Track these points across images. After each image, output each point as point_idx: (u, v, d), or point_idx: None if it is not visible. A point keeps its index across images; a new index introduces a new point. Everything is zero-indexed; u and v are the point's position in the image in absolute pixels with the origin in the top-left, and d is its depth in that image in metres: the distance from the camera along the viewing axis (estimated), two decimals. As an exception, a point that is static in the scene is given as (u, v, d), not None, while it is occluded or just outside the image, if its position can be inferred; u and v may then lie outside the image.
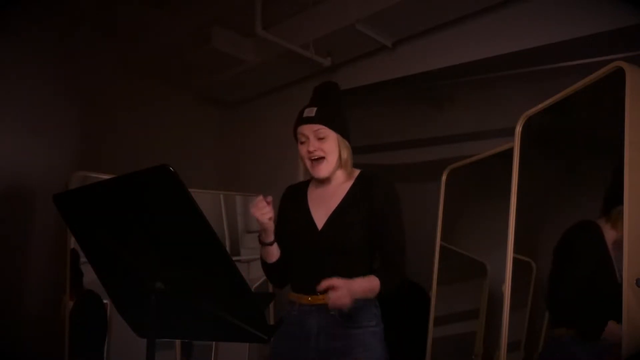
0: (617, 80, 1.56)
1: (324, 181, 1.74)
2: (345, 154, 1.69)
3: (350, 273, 1.56)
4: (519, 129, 2.01)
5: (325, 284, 1.46)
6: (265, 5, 3.14)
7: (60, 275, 2.70)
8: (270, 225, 1.65)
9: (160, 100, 3.83)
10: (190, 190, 1.11)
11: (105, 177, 1.52)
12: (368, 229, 1.63)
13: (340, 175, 1.73)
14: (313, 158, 1.67)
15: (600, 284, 1.79)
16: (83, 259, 2.62)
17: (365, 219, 1.63)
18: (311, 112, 1.66)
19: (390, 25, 3.12)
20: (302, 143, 1.69)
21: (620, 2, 2.41)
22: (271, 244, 1.69)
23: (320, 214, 1.69)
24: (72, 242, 2.64)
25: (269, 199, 1.63)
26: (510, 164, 2.00)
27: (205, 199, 3.41)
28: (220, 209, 3.45)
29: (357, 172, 1.75)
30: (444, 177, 2.73)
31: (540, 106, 1.96)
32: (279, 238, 1.72)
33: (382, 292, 1.57)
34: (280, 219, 1.78)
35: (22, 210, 3.09)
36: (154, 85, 3.81)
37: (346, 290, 1.45)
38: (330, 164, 1.68)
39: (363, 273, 1.60)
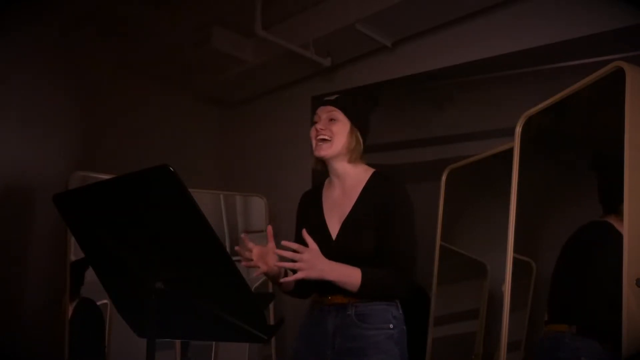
0: (617, 80, 1.56)
1: (335, 179, 1.73)
2: (353, 143, 1.67)
3: None
4: (519, 129, 2.01)
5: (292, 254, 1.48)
6: (265, 5, 3.13)
7: (60, 276, 2.70)
8: (271, 271, 1.60)
9: (160, 100, 3.83)
10: (190, 190, 1.11)
11: (105, 177, 1.53)
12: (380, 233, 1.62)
13: (350, 171, 1.71)
14: (319, 137, 1.66)
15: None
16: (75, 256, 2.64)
17: (377, 224, 1.61)
18: (332, 96, 1.69)
19: (390, 25, 3.12)
20: (314, 123, 1.70)
21: (620, 2, 2.41)
22: (280, 284, 1.66)
23: (334, 221, 1.68)
24: (72, 243, 2.64)
25: (271, 237, 1.61)
26: (510, 164, 2.00)
27: (205, 199, 3.41)
28: (220, 209, 3.45)
29: (370, 171, 1.72)
30: (444, 177, 2.73)
31: (540, 106, 1.96)
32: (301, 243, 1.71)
33: (364, 290, 1.54)
34: (299, 227, 1.77)
35: (22, 210, 3.09)
36: (154, 85, 3.80)
37: (311, 264, 1.48)
38: (334, 146, 1.66)
39: None
